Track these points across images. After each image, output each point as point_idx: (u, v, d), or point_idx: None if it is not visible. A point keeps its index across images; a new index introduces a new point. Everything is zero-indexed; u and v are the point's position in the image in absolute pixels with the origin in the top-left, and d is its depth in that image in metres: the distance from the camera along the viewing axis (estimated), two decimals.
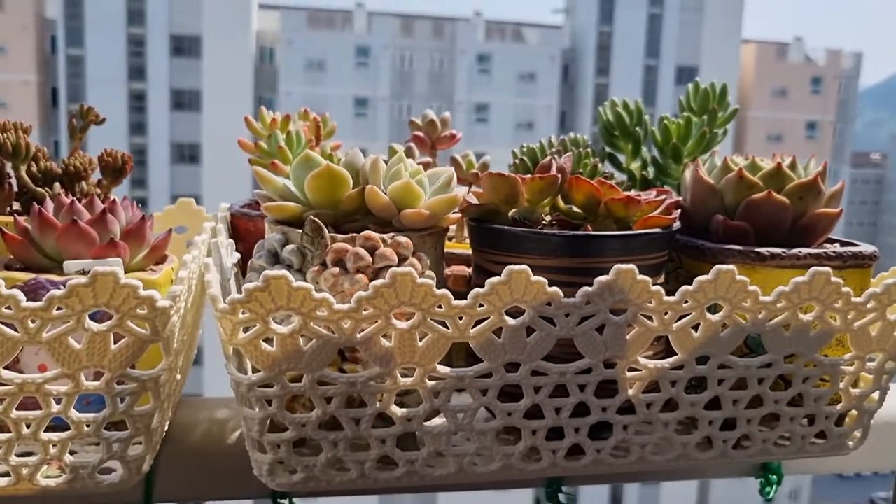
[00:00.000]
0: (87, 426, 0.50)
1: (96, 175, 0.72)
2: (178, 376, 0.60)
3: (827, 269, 0.54)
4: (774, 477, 0.71)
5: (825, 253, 0.59)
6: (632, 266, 0.51)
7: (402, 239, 0.52)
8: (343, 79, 19.51)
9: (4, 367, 0.47)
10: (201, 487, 0.65)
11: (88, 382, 0.49)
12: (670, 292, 0.53)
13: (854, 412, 0.62)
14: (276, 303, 0.47)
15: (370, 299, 0.48)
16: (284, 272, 0.47)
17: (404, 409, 0.52)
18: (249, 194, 0.76)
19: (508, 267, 0.50)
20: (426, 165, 0.71)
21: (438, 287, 0.54)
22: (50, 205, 0.59)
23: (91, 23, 17.63)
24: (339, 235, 0.52)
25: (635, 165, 0.81)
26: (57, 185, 0.67)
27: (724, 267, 0.53)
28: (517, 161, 0.75)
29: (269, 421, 0.51)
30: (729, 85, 0.83)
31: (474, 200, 0.59)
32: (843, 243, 0.64)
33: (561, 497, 0.68)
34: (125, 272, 0.57)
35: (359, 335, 0.49)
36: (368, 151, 0.60)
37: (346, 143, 0.72)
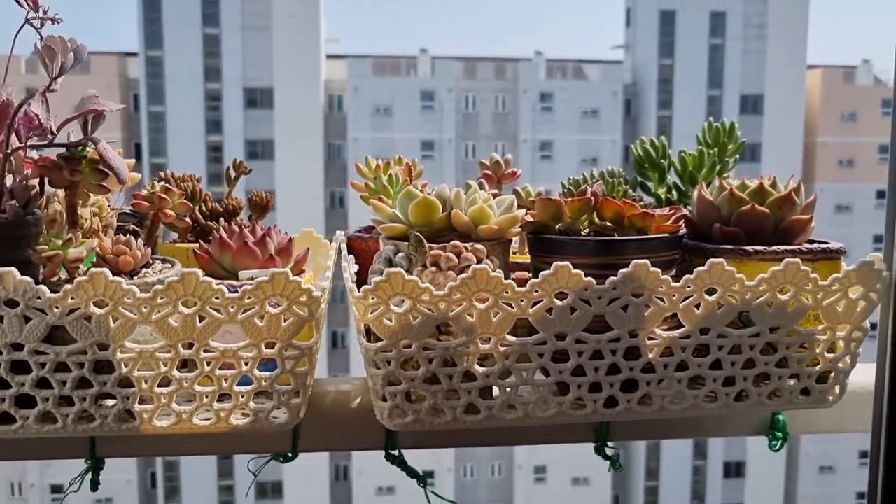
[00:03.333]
0: (265, 382, 0.72)
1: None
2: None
3: (796, 259, 0.73)
4: (780, 434, 0.89)
5: (799, 249, 0.77)
6: (646, 261, 0.71)
7: (479, 246, 0.73)
8: (409, 122, 20.05)
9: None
10: (331, 441, 0.87)
11: (266, 350, 0.71)
12: (677, 280, 0.73)
13: (832, 373, 0.80)
14: (394, 290, 0.69)
15: (458, 287, 0.70)
16: (400, 269, 0.68)
17: (484, 368, 0.73)
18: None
19: (555, 263, 0.70)
20: (494, 196, 0.93)
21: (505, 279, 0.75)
22: (223, 233, 0.82)
23: (171, 81, 18.67)
24: (434, 245, 0.74)
25: (661, 190, 1.01)
26: (221, 220, 0.90)
27: (715, 259, 0.72)
28: (565, 189, 0.96)
29: (388, 378, 0.72)
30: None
31: (530, 218, 0.80)
32: (819, 242, 0.83)
33: (607, 450, 0.87)
34: None
35: (450, 313, 0.70)
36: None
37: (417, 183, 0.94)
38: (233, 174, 0.95)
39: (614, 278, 0.71)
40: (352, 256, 0.84)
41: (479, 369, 0.73)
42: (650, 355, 0.75)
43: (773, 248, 0.77)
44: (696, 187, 0.85)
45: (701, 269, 0.72)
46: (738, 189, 0.80)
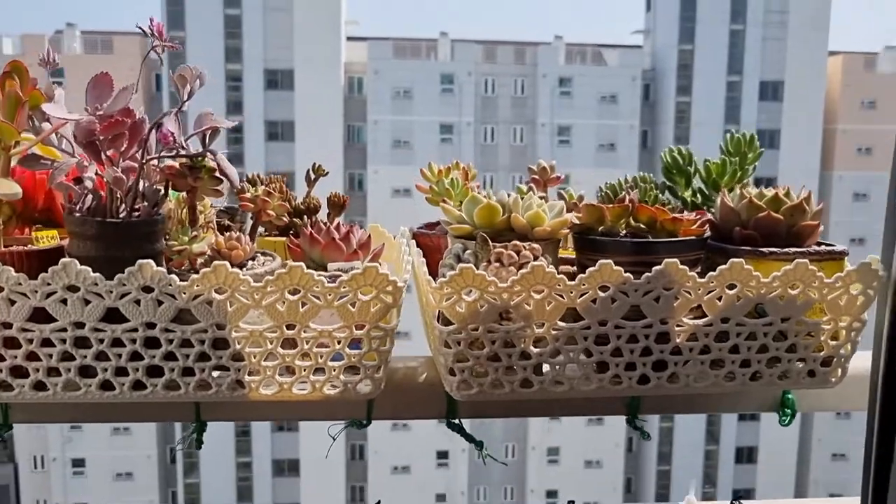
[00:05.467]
0: (353, 358, 0.86)
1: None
2: None
3: (805, 260, 0.86)
4: (789, 410, 1.02)
5: (808, 251, 0.90)
6: (675, 259, 0.84)
7: (536, 245, 0.87)
8: (429, 105, 20.13)
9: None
10: (400, 411, 1.01)
11: (357, 332, 0.85)
12: (702, 276, 0.86)
13: (835, 358, 0.93)
14: (465, 283, 0.83)
15: (519, 281, 0.83)
16: (471, 265, 0.82)
17: (538, 349, 0.87)
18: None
19: (599, 260, 0.84)
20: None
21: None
22: (311, 229, 0.96)
23: (192, 61, 18.79)
24: (497, 244, 0.87)
25: (688, 194, 1.14)
26: (304, 217, 1.04)
27: (735, 259, 0.85)
28: (602, 193, 1.09)
29: (457, 356, 0.86)
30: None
31: (576, 221, 0.93)
32: (826, 245, 0.96)
33: (637, 423, 1.01)
34: None
35: (511, 302, 0.84)
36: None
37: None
38: (312, 176, 1.08)
39: (648, 274, 0.84)
40: (419, 250, 0.98)
41: (533, 350, 0.86)
42: (678, 340, 0.88)
43: (786, 249, 0.90)
44: (720, 194, 0.98)
45: (723, 267, 0.85)
46: (756, 198, 0.93)
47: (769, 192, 0.94)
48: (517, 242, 0.86)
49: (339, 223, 0.97)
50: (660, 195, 1.06)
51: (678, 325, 0.88)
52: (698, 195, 1.12)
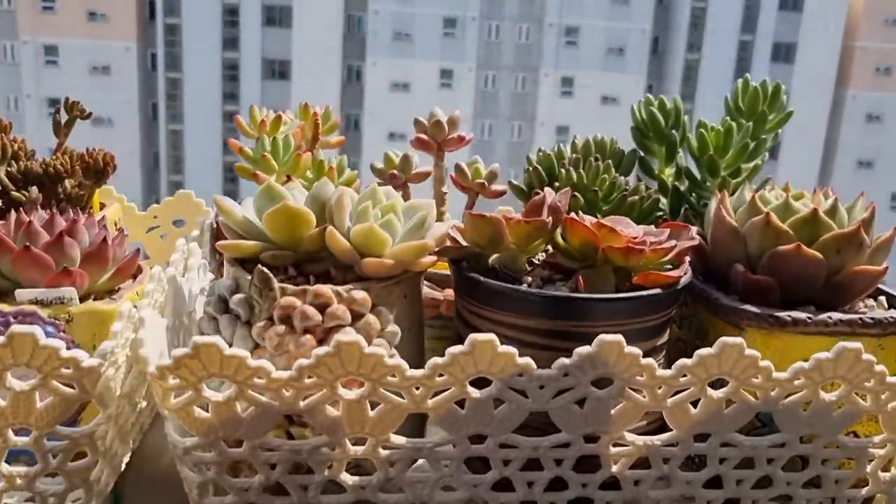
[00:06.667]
0: (20, 480, 0.47)
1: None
2: (144, 403, 0.57)
3: (857, 345, 0.46)
4: None
5: (860, 319, 0.50)
6: (617, 338, 0.45)
7: (359, 295, 0.46)
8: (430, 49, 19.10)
9: None
10: None
11: (17, 438, 0.46)
12: (667, 360, 0.46)
13: (881, 496, 0.54)
14: (208, 370, 0.43)
15: (313, 368, 0.43)
16: (215, 339, 0.42)
17: (357, 478, 0.48)
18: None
19: (471, 336, 0.44)
20: (421, 177, 0.65)
21: (413, 332, 0.49)
22: (11, 222, 0.56)
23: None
24: (290, 287, 0.47)
25: (669, 172, 0.72)
26: (34, 189, 0.63)
27: (731, 340, 0.46)
28: (530, 169, 0.68)
29: (207, 487, 0.47)
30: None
31: (458, 238, 0.52)
32: (891, 299, 0.56)
33: None
34: (83, 298, 0.54)
35: (302, 403, 0.45)
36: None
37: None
38: (63, 118, 0.67)
39: (566, 361, 0.45)
40: (204, 263, 0.58)
41: (348, 479, 0.48)
42: (614, 468, 0.49)
43: (823, 316, 0.50)
44: (714, 199, 0.57)
45: (707, 352, 0.46)
46: (776, 213, 0.52)
47: (800, 205, 0.53)
48: (322, 289, 0.46)
49: (56, 214, 0.56)
50: (619, 178, 0.65)
51: (617, 444, 0.49)
52: (684, 178, 0.71)
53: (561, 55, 19.56)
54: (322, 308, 0.46)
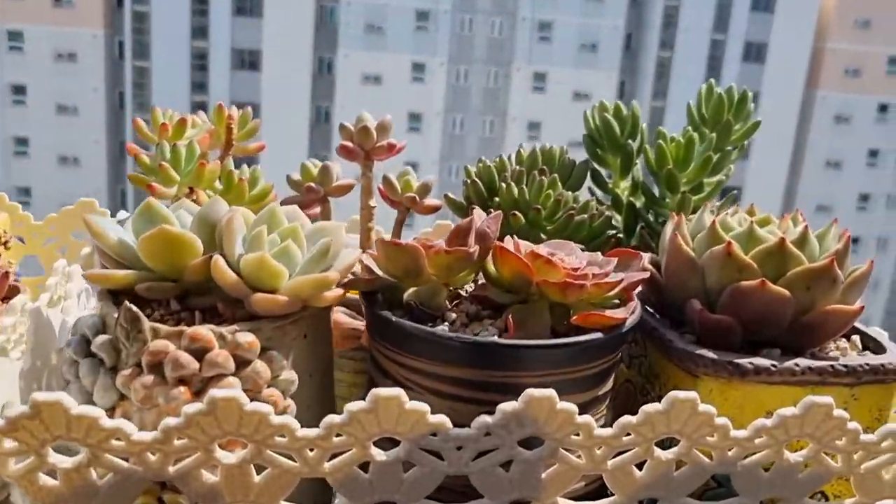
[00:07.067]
0: None
1: None
2: None
3: (827, 400, 0.40)
4: None
5: (831, 367, 0.44)
6: (547, 394, 0.38)
7: (244, 338, 0.39)
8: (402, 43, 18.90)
9: None
10: None
11: None
12: (606, 416, 0.39)
13: None
14: (52, 432, 0.35)
15: (183, 429, 0.36)
16: (58, 396, 0.34)
17: None
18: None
19: (373, 392, 0.37)
20: (343, 190, 0.57)
21: (317, 377, 0.41)
22: None
23: None
24: (164, 328, 0.39)
25: (624, 186, 0.66)
26: None
27: (682, 396, 0.39)
28: (468, 182, 0.61)
29: None
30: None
31: (373, 267, 0.45)
32: (865, 339, 0.49)
33: None
34: None
35: (172, 469, 0.37)
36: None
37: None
38: None
39: (487, 420, 0.38)
40: (88, 288, 0.50)
41: None
42: None
43: (790, 364, 0.43)
44: (671, 222, 0.51)
45: (654, 409, 0.39)
46: (740, 243, 0.45)
47: (766, 233, 0.46)
48: (199, 332, 0.38)
49: None
50: (565, 194, 0.58)
51: None
52: (641, 193, 0.64)
53: (534, 50, 19.50)
54: (200, 354, 0.38)
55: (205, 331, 0.39)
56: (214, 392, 0.36)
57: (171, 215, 0.43)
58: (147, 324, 0.39)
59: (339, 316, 0.55)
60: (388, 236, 0.60)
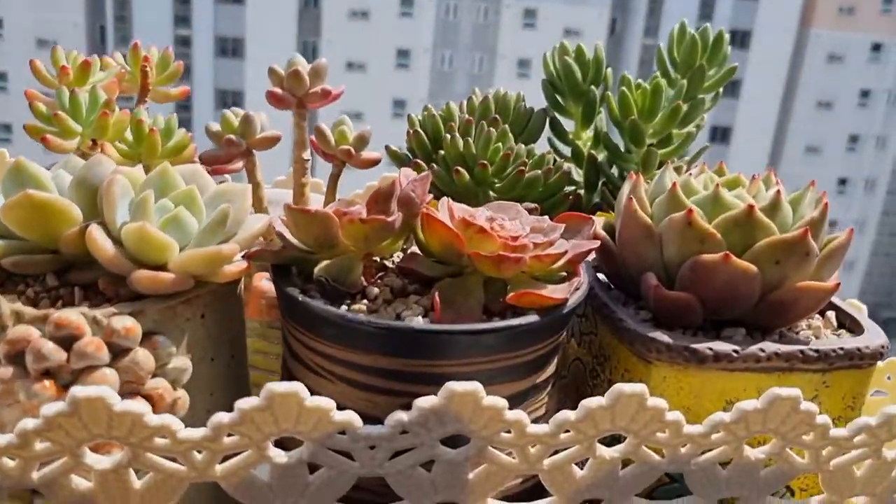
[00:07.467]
0: None
1: None
2: None
3: (794, 392, 0.35)
4: None
5: (801, 352, 0.39)
6: (471, 388, 0.33)
7: (121, 324, 0.33)
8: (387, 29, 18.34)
9: None
10: None
11: None
12: (542, 412, 0.34)
13: None
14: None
15: (42, 431, 0.31)
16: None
17: None
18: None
19: (268, 386, 0.31)
20: (267, 142, 0.51)
21: (220, 361, 0.36)
22: None
23: None
24: (28, 311, 0.34)
25: (586, 137, 0.60)
26: None
27: (628, 389, 0.34)
28: (412, 132, 0.55)
29: None
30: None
31: (287, 235, 0.39)
32: (841, 316, 0.44)
33: None
34: None
35: (36, 475, 0.32)
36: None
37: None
38: None
39: (402, 417, 0.33)
40: None
41: None
42: None
43: (754, 349, 0.38)
44: (627, 183, 0.45)
45: (596, 404, 0.34)
46: (703, 209, 0.40)
47: (733, 198, 0.41)
48: (65, 317, 0.33)
49: None
50: (517, 147, 0.52)
51: None
52: (604, 147, 0.58)
53: (520, 36, 19.04)
54: (68, 342, 0.33)
55: (74, 315, 0.33)
56: (76, 390, 0.30)
57: (47, 176, 0.37)
58: (6, 306, 0.33)
59: (262, 283, 0.50)
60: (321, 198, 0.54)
